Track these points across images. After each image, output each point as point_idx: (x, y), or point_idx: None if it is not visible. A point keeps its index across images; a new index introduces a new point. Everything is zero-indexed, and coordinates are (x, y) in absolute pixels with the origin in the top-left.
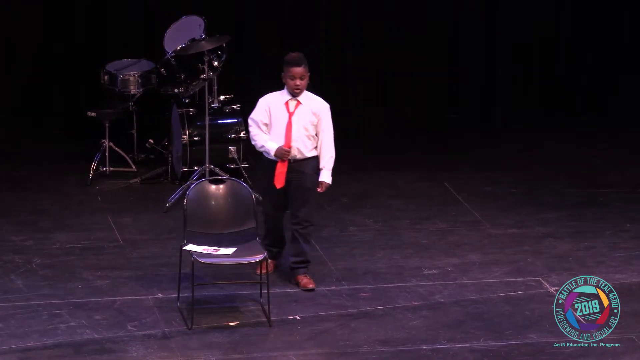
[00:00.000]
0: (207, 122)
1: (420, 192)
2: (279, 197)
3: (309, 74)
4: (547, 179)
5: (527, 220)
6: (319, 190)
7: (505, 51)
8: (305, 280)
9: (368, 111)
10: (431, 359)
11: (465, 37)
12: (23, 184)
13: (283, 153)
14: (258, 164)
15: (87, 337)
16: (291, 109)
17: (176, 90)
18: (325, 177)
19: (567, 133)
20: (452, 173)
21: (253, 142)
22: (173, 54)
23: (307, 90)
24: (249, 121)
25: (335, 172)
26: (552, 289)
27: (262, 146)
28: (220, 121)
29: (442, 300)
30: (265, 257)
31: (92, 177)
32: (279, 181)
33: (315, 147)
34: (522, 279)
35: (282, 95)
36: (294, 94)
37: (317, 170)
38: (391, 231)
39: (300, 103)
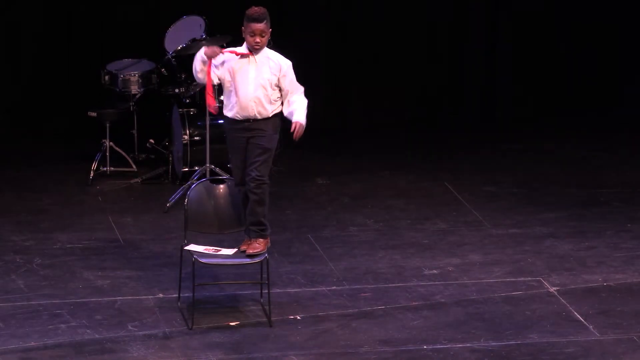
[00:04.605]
0: (207, 122)
1: (420, 192)
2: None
3: (270, 30)
4: (548, 179)
5: (527, 220)
6: (293, 132)
7: (505, 51)
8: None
9: (368, 111)
10: (432, 359)
11: (465, 37)
12: (24, 184)
13: (214, 50)
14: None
15: (88, 337)
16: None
17: (177, 91)
18: (299, 116)
19: (567, 133)
20: (453, 173)
21: (194, 72)
22: (174, 54)
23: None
24: (197, 56)
25: (335, 172)
26: (552, 289)
27: (195, 68)
28: (221, 121)
29: (442, 300)
30: (266, 257)
31: (92, 177)
32: (210, 101)
33: (277, 106)
34: (522, 279)
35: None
36: (253, 51)
37: (278, 130)
38: (392, 231)
39: (257, 62)
